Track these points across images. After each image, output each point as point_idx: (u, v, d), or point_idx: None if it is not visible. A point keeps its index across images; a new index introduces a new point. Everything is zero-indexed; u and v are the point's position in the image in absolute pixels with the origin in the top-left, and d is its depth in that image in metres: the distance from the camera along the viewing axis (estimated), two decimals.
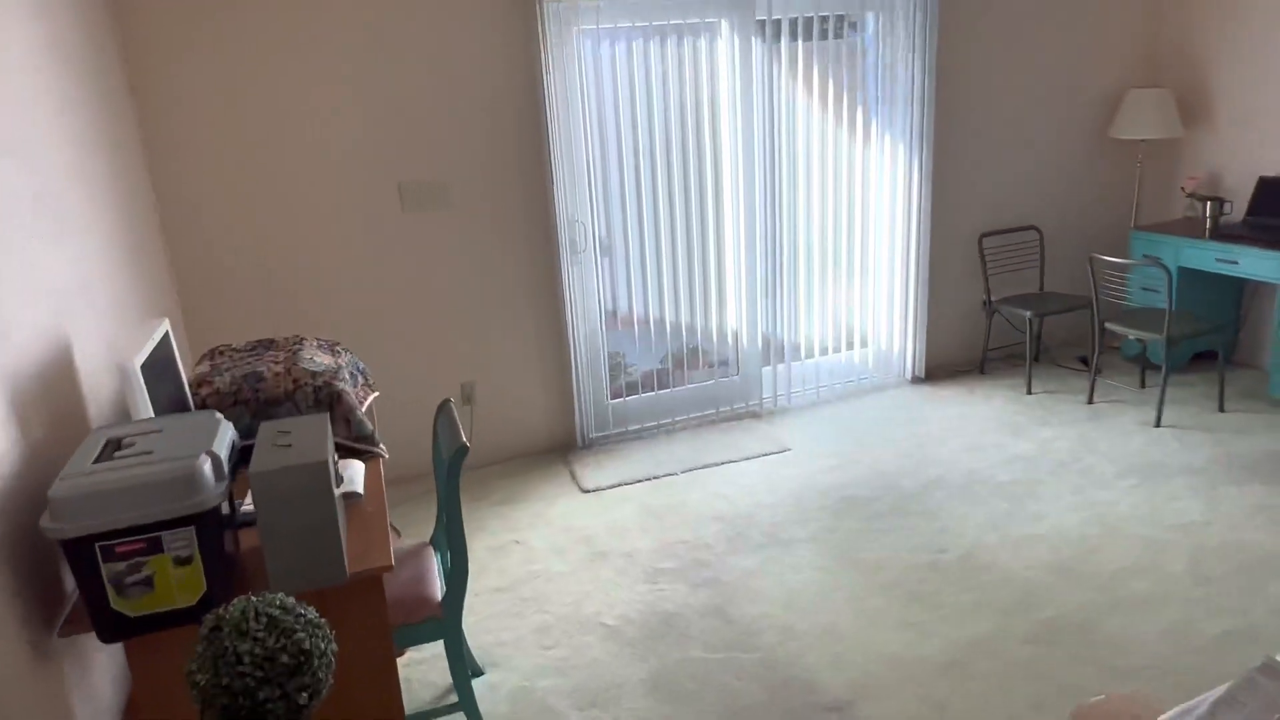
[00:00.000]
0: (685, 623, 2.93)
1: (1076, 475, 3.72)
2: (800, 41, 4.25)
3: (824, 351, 4.77)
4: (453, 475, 2.24)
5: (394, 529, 3.46)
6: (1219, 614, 2.79)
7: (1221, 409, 4.25)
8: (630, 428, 4.41)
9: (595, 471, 4.04)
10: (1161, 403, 4.17)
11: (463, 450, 2.21)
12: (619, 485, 3.91)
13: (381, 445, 2.47)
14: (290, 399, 2.34)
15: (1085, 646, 2.69)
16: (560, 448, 4.33)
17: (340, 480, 2.04)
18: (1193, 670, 2.56)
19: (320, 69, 3.55)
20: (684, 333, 4.44)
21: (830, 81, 4.35)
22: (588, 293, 4.16)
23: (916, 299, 4.75)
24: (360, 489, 2.22)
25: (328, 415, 2.02)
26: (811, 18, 4.22)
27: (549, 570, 3.30)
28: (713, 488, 3.84)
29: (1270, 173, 4.56)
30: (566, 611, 3.04)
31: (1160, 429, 4.10)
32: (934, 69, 4.41)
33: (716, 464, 4.05)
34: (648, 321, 4.36)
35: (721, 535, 3.46)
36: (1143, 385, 4.63)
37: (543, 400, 4.25)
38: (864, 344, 4.87)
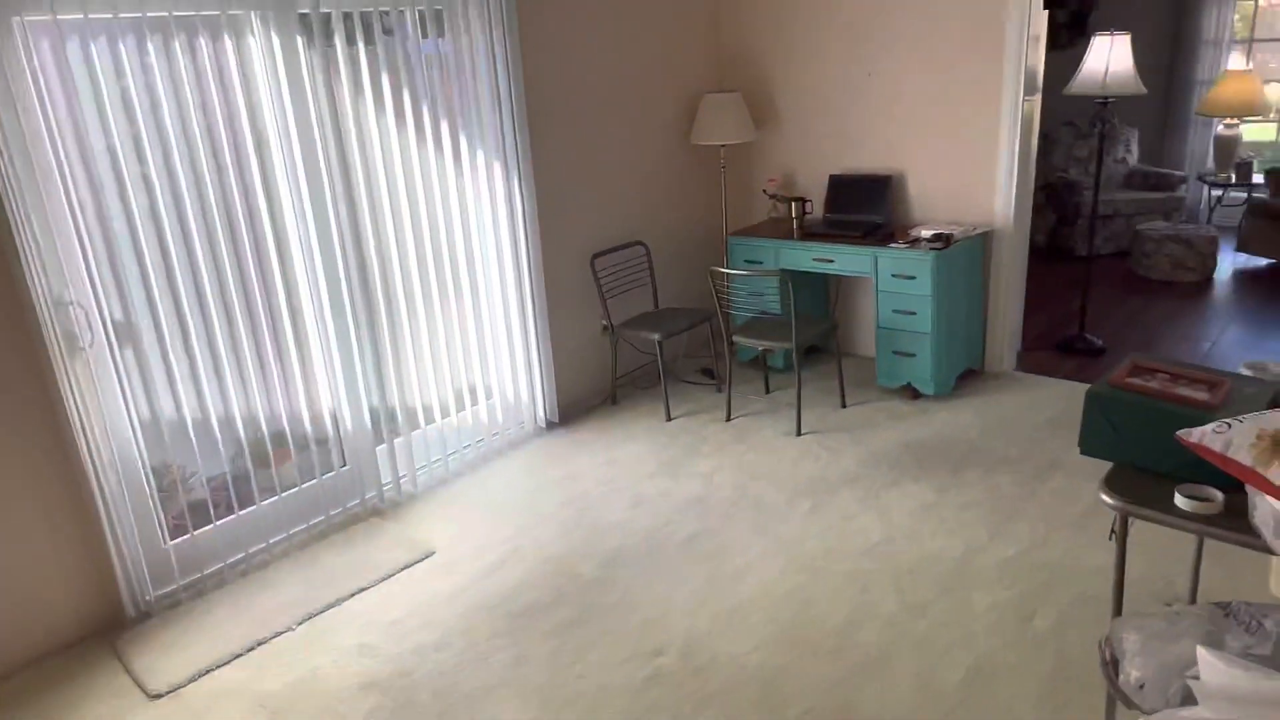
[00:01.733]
0: None
1: (753, 511, 3.43)
2: (363, 45, 3.36)
3: (445, 412, 3.96)
4: None
5: None
6: (950, 650, 2.60)
7: (844, 404, 4.32)
8: (208, 572, 3.19)
9: (165, 658, 2.79)
10: (799, 412, 4.09)
11: None
12: (208, 672, 2.73)
13: None
14: None
15: None
16: (101, 629, 2.97)
17: None
18: None
19: None
20: (263, 424, 3.33)
21: (407, 93, 3.53)
22: (107, 398, 2.86)
23: (537, 335, 4.17)
24: None
25: None
26: (371, 13, 3.35)
27: None
28: (349, 638, 2.85)
29: (837, 171, 4.77)
30: None
31: (802, 438, 4.01)
32: (520, 79, 3.82)
33: (345, 598, 3.05)
34: (207, 418, 3.17)
35: (382, 715, 2.51)
36: (768, 391, 4.58)
37: (55, 564, 2.85)
38: (488, 395, 4.16)
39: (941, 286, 4.06)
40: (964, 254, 4.17)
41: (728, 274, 4.09)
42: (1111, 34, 4.24)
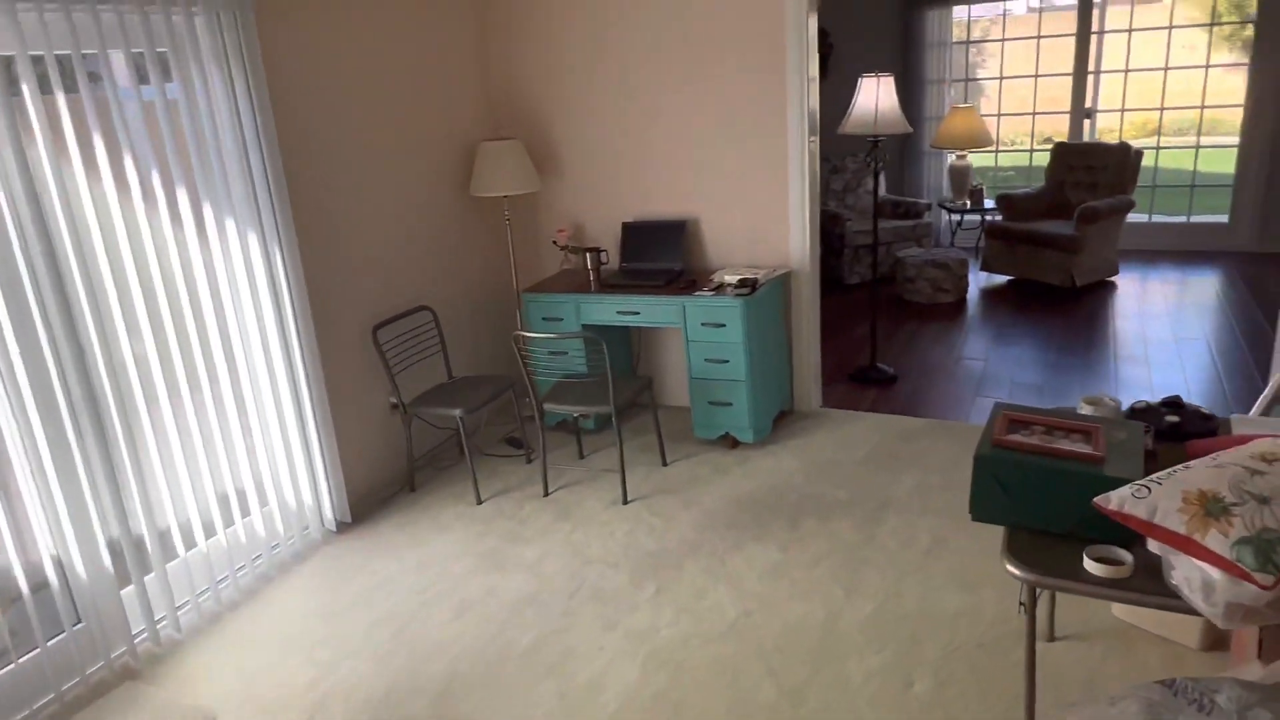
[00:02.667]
0: None
1: (594, 603, 3.08)
2: (62, 93, 2.68)
3: (209, 531, 3.27)
4: None
5: None
6: None
7: (665, 462, 4.10)
8: None
9: None
10: (624, 478, 3.81)
11: None
12: None
13: None
14: None
15: None
16: None
17: None
18: None
19: None
20: None
21: (128, 151, 2.87)
22: None
23: (316, 423, 3.58)
24: None
25: None
26: (68, 56, 2.68)
27: None
28: None
29: (630, 218, 4.58)
30: None
31: (630, 505, 3.73)
32: (271, 129, 3.26)
33: None
34: None
35: None
36: (582, 456, 4.26)
37: None
38: (262, 502, 3.50)
39: (752, 332, 3.96)
40: (769, 297, 4.11)
41: (531, 338, 3.74)
42: (877, 76, 4.40)
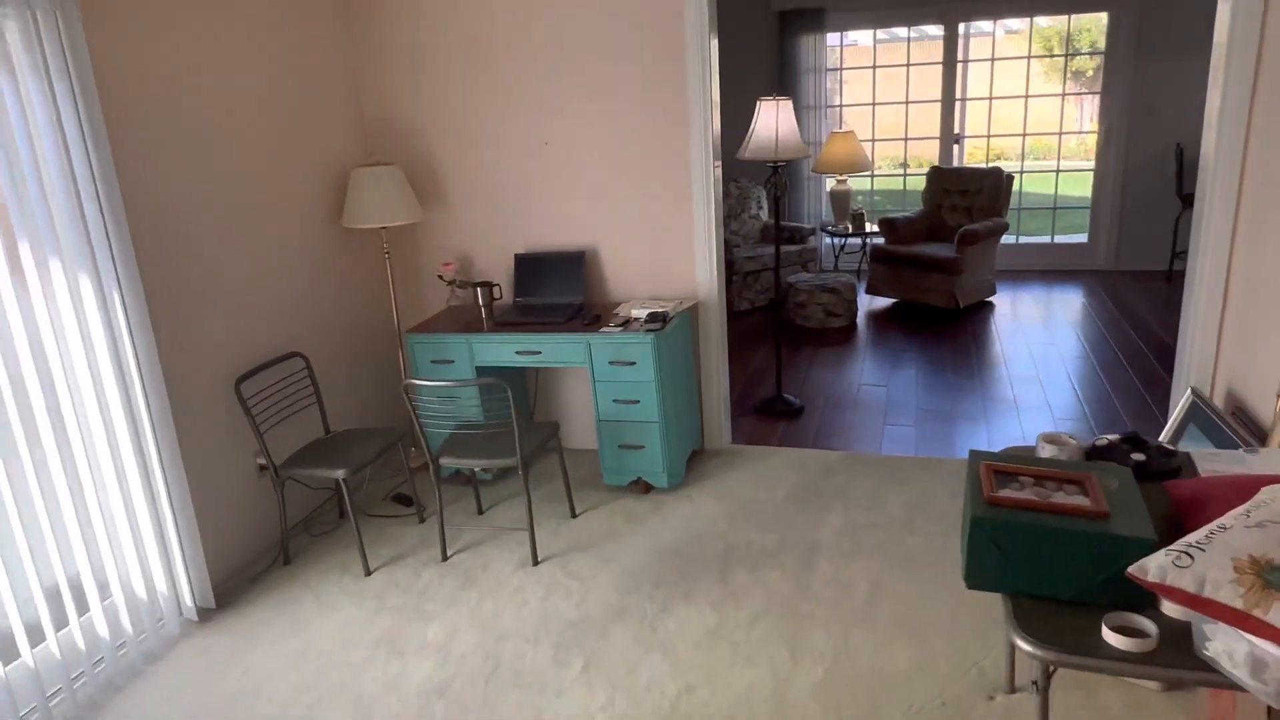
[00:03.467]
0: None
1: (515, 688, 2.71)
2: None
3: (36, 637, 2.69)
4: None
5: None
6: None
7: (574, 514, 3.76)
8: None
9: None
10: (533, 537, 3.45)
11: None
12: None
13: None
14: None
15: None
16: None
17: None
18: None
19: None
20: None
21: None
22: None
23: (169, 493, 3.05)
24: None
25: None
26: None
27: None
28: None
29: (523, 249, 4.24)
30: None
31: (541, 567, 3.37)
32: (105, 145, 2.76)
33: None
34: None
35: None
36: (481, 511, 3.87)
37: None
38: (104, 594, 2.94)
39: (664, 369, 3.70)
40: (678, 330, 3.86)
41: (424, 386, 3.34)
42: (776, 100, 4.26)
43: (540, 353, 3.78)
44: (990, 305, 6.59)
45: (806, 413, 4.73)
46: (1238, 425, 3.07)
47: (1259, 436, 2.92)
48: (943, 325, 6.16)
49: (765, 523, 3.56)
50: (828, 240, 7.82)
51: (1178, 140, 6.85)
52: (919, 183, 7.53)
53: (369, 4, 4.04)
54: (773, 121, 4.24)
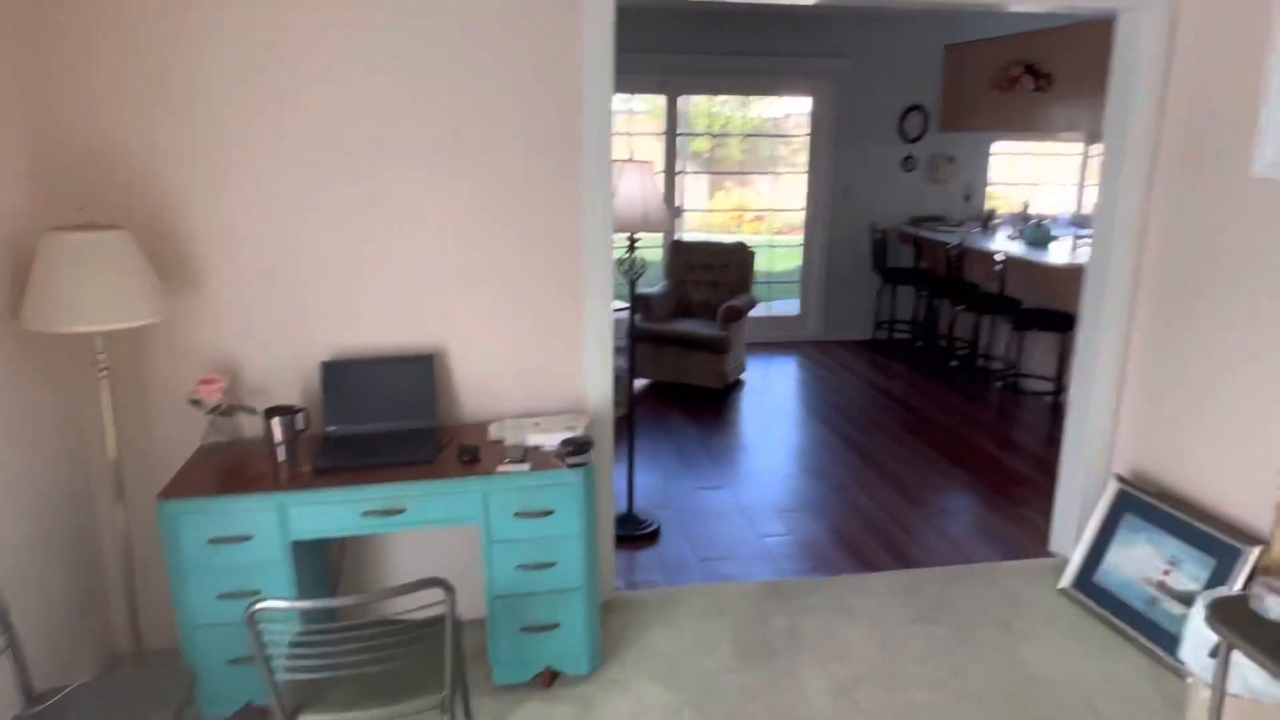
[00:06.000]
0: None
1: None
2: None
3: None
4: None
5: None
6: None
7: None
8: None
9: None
10: None
11: None
12: None
13: None
14: None
15: None
16: None
17: None
18: None
19: None
20: None
21: None
22: None
23: None
24: None
25: None
26: None
27: None
28: None
29: (331, 355, 2.93)
30: None
31: None
32: None
33: None
34: None
35: None
36: None
37: None
38: None
39: (591, 516, 2.70)
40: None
41: (275, 610, 1.97)
42: (639, 162, 3.52)
43: (404, 510, 2.55)
44: (741, 382, 6.42)
45: (666, 532, 3.96)
46: (1188, 515, 2.99)
47: (1223, 526, 2.79)
48: (721, 406, 5.80)
49: (740, 705, 2.72)
50: None
51: (871, 220, 7.40)
52: (654, 255, 7.22)
53: None
54: (637, 190, 3.49)
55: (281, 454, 2.67)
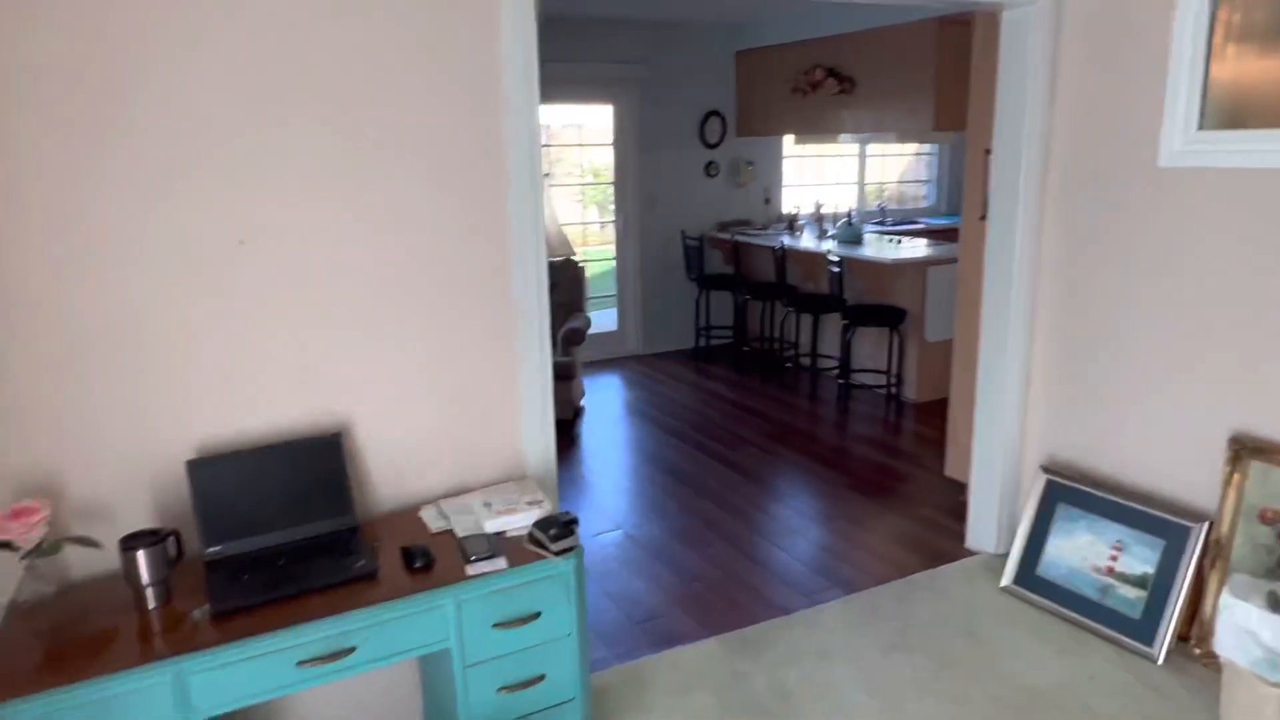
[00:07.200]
0: None
1: None
2: None
3: None
4: None
5: None
6: None
7: None
8: None
9: None
10: None
11: None
12: None
13: None
14: None
15: None
16: None
17: None
18: None
19: None
20: None
21: None
22: None
23: None
24: None
25: None
26: None
27: None
28: None
29: (197, 450, 2.18)
30: None
31: None
32: None
33: None
34: None
35: None
36: None
37: None
38: None
39: (583, 610, 2.21)
40: None
41: None
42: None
43: (354, 649, 1.91)
44: (581, 408, 6.03)
45: None
46: (1125, 499, 3.05)
47: (1164, 505, 2.85)
48: (571, 436, 5.38)
49: None
50: None
51: (682, 228, 7.29)
52: None
53: None
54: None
55: (152, 599, 1.93)
